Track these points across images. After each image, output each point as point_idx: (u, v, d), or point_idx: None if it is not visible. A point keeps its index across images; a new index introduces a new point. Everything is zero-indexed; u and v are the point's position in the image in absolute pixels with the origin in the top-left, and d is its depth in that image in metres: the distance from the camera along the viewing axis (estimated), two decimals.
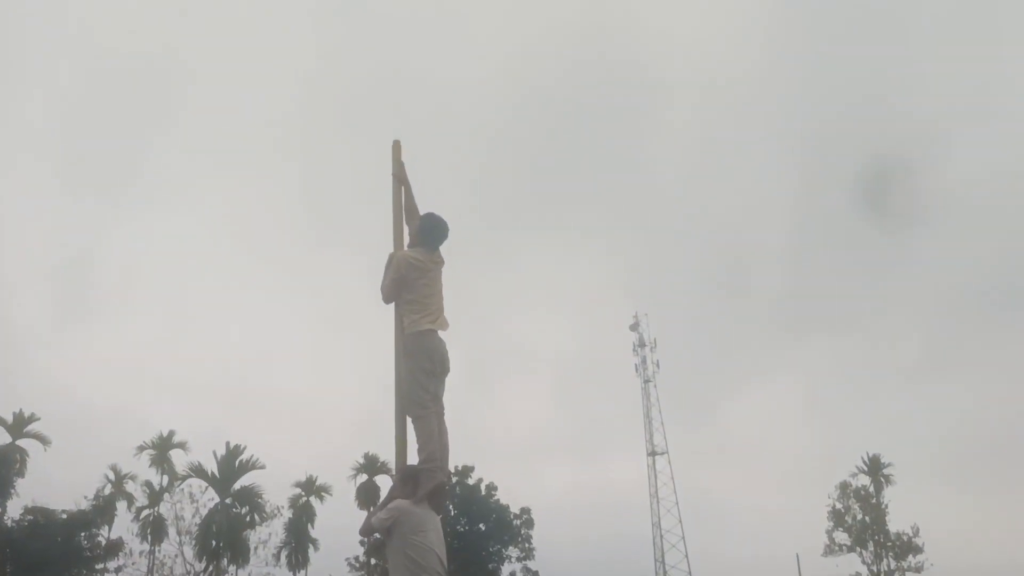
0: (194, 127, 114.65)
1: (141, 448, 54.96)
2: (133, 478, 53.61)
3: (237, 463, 51.54)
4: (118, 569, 34.81)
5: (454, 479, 43.14)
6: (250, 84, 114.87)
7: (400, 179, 6.60)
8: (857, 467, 52.90)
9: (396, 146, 6.71)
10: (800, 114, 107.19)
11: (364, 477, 56.44)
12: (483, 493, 46.85)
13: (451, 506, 43.96)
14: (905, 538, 48.67)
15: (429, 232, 6.41)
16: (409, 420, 6.09)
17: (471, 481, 46.54)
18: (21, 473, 42.52)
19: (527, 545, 46.68)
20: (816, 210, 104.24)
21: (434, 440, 5.94)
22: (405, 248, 6.45)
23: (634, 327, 76.17)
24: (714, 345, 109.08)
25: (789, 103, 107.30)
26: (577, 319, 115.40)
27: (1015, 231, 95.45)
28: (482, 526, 45.74)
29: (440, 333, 6.27)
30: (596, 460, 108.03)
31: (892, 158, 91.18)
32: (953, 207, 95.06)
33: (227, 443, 52.38)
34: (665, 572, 70.12)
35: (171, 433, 55.64)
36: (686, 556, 69.41)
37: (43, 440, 49.29)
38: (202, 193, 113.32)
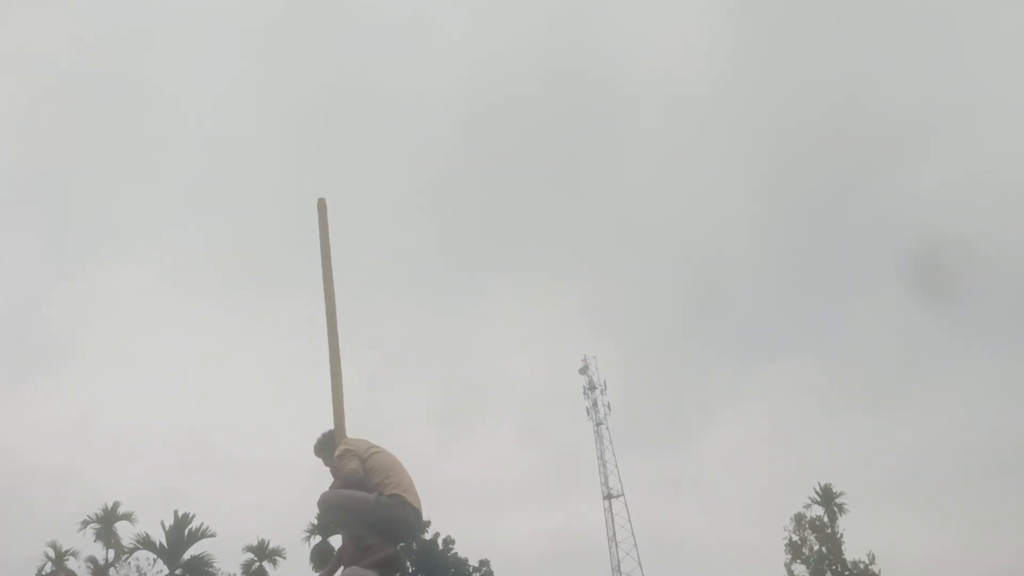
0: (135, 175, 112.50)
1: (85, 522, 53.21)
2: (75, 554, 51.79)
3: (187, 532, 50.18)
4: None
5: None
6: (191, 116, 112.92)
7: None
8: (810, 498, 53.40)
9: (321, 205, 6.66)
10: (765, 131, 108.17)
11: (318, 539, 55.30)
12: (440, 547, 46.20)
13: (408, 563, 43.26)
14: (862, 566, 49.06)
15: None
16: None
17: (428, 535, 45.89)
18: None
19: None
20: (780, 229, 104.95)
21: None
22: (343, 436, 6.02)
23: (583, 370, 76.39)
24: (678, 379, 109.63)
25: (754, 121, 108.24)
26: (538, 360, 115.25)
27: None
28: None
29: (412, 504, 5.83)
30: (557, 505, 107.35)
31: (861, 172, 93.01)
32: (922, 221, 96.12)
33: (175, 511, 51.01)
34: None
35: (116, 504, 53.98)
36: None
37: None
38: (150, 245, 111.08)
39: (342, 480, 5.68)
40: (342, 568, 5.64)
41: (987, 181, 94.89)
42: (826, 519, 52.02)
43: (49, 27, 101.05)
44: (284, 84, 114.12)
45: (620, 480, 73.79)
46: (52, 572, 47.50)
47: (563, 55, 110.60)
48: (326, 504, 5.76)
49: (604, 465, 73.42)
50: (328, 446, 6.02)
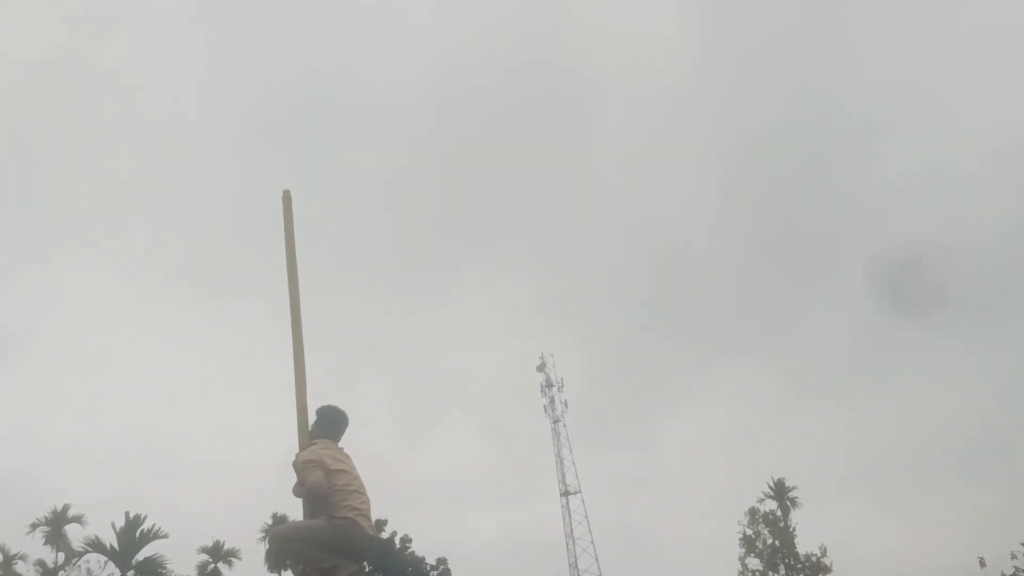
0: (89, 167, 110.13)
1: (34, 525, 52.22)
2: (23, 557, 50.79)
3: (138, 533, 49.53)
4: None
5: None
6: (149, 106, 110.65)
7: None
8: (764, 492, 54.21)
9: (286, 197, 6.62)
10: (731, 125, 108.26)
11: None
12: (398, 547, 46.12)
13: (366, 564, 42.93)
14: (814, 559, 49.93)
15: (331, 423, 6.10)
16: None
17: (384, 534, 45.76)
18: None
19: None
20: (743, 224, 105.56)
21: None
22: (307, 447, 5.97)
23: (540, 368, 76.66)
24: (637, 375, 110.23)
25: (720, 115, 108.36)
26: (497, 357, 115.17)
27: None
28: None
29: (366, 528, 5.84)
30: (516, 503, 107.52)
31: (823, 166, 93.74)
32: (886, 210, 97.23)
33: (126, 513, 50.32)
34: None
35: (66, 507, 53.04)
36: None
37: None
38: (104, 240, 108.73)
39: (306, 489, 5.69)
40: None
41: (944, 175, 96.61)
42: (779, 513, 52.87)
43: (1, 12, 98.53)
44: (246, 74, 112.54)
45: (577, 477, 74.14)
46: None
47: (529, 46, 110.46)
48: (278, 538, 5.84)
49: (561, 462, 73.74)
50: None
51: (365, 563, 5.98)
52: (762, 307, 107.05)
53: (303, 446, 5.91)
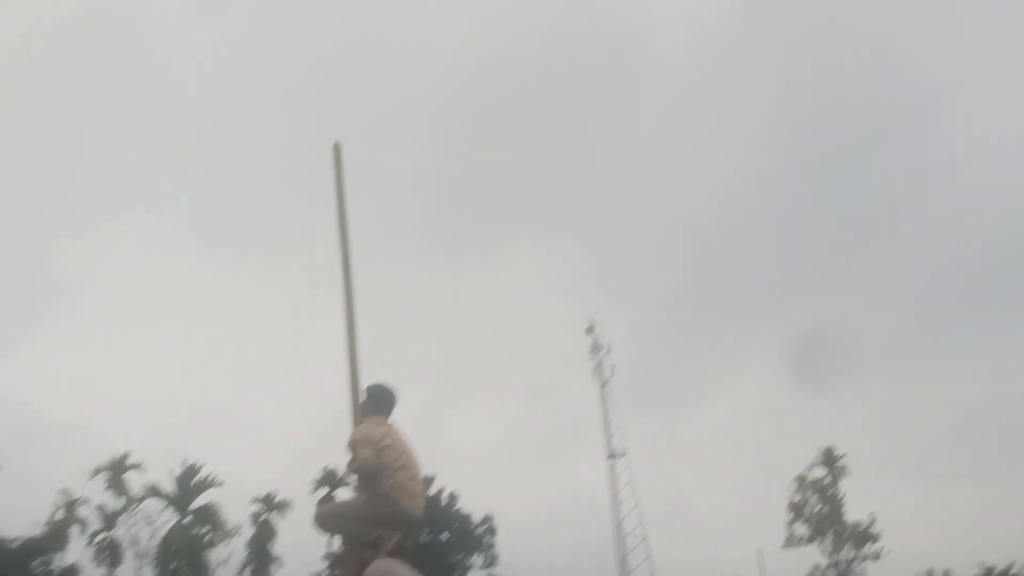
0: (146, 122, 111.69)
1: (95, 471, 53.99)
2: (86, 502, 52.59)
3: (194, 481, 50.92)
4: None
5: None
6: (195, 75, 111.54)
7: None
8: (813, 460, 53.78)
9: (336, 149, 6.63)
10: (780, 77, 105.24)
11: (324, 491, 55.97)
12: (444, 503, 46.73)
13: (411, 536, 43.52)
14: (862, 528, 49.55)
15: (380, 401, 6.23)
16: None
17: (431, 492, 46.44)
18: None
19: (491, 553, 46.68)
20: (792, 183, 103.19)
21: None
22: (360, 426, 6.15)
23: (588, 331, 76.57)
24: (685, 340, 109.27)
25: (769, 66, 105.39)
26: (545, 320, 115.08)
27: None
28: (444, 536, 45.64)
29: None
30: (561, 465, 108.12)
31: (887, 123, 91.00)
32: (955, 175, 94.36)
33: (184, 461, 51.74)
34: (628, 574, 70.50)
35: (125, 454, 54.72)
36: (648, 557, 69.87)
37: None
38: (160, 193, 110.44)
39: (355, 466, 5.89)
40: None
41: (1010, 139, 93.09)
42: (828, 481, 52.45)
43: None
44: (296, 25, 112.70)
45: (624, 440, 74.35)
46: (64, 519, 48.24)
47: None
48: (321, 518, 6.01)
49: (608, 425, 73.94)
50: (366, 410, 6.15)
51: (410, 535, 6.04)
52: (812, 274, 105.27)
53: (356, 422, 6.05)
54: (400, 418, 6.22)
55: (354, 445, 5.90)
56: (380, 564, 5.49)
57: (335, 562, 5.89)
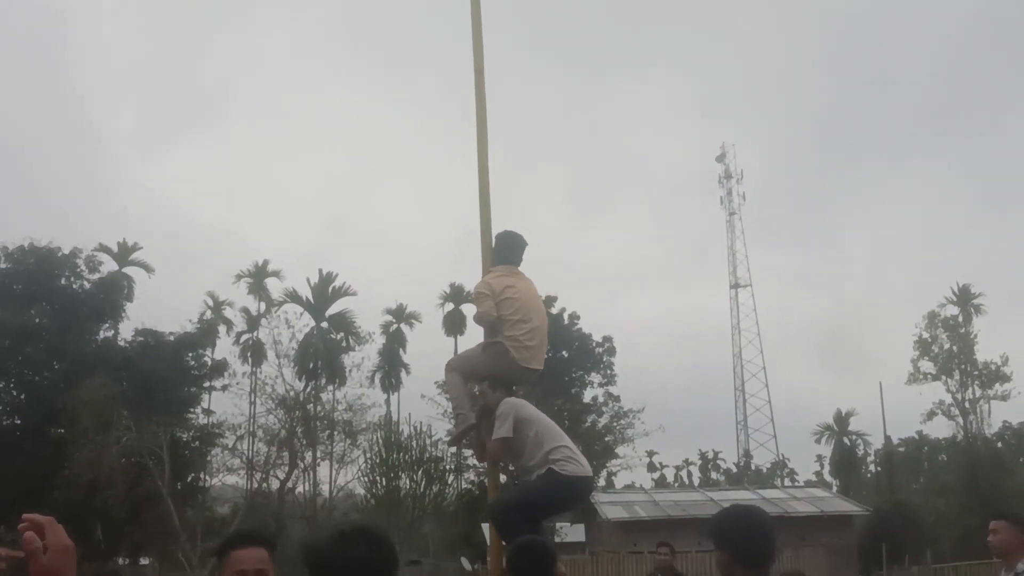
0: None
1: (239, 276, 57.56)
2: (231, 304, 56.41)
3: (330, 289, 53.61)
4: (224, 387, 37.08)
5: None
6: None
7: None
8: (946, 297, 52.13)
9: None
10: None
11: (451, 306, 58.16)
12: (566, 322, 47.71)
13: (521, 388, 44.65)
14: (993, 367, 48.29)
15: (508, 249, 6.16)
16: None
17: (554, 311, 47.39)
18: (129, 298, 45.09)
19: (609, 372, 47.77)
20: None
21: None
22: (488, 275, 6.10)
23: (720, 158, 74.57)
24: (818, 173, 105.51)
25: None
26: (676, 145, 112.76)
27: None
28: (565, 353, 46.85)
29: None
30: (683, 291, 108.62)
31: None
32: None
33: (319, 270, 54.43)
34: (745, 400, 71.54)
35: (266, 262, 57.99)
36: (766, 385, 70.57)
37: (147, 268, 51.99)
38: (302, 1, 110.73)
39: (477, 317, 6.04)
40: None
41: None
42: (961, 319, 50.95)
43: None
44: None
45: (749, 270, 73.63)
46: (212, 319, 51.92)
47: None
48: (447, 368, 6.13)
49: (734, 255, 73.14)
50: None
51: (520, 386, 6.16)
52: (970, 103, 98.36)
53: (486, 269, 6.12)
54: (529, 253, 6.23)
55: (477, 297, 6.04)
56: (510, 402, 5.64)
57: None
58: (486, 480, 6.64)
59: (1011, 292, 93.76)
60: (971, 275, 75.15)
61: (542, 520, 5.47)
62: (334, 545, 2.27)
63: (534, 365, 5.88)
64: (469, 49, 6.45)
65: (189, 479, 34.29)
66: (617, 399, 44.45)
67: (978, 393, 48.93)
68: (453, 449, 30.02)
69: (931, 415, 49.30)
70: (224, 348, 50.72)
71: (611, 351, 48.43)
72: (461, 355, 6.37)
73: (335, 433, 34.15)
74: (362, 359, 48.75)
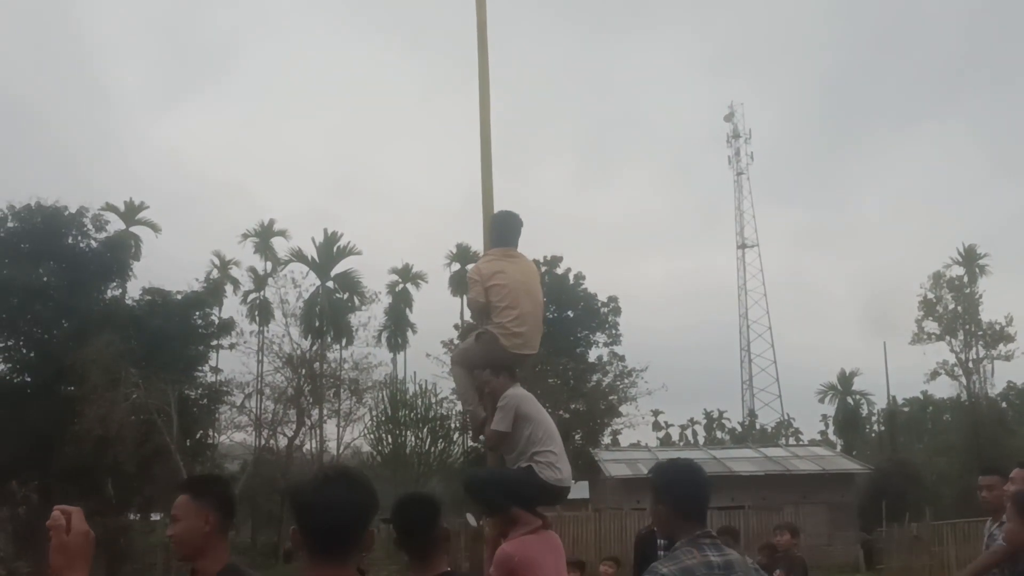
0: None
1: (245, 236, 57.63)
2: (237, 264, 56.55)
3: (335, 249, 53.66)
4: (231, 346, 37.38)
5: (543, 268, 44.06)
6: None
7: None
8: (951, 258, 52.04)
9: None
10: None
11: (457, 266, 58.22)
12: (571, 282, 47.82)
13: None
14: (998, 328, 48.33)
15: (503, 230, 6.01)
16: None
17: (559, 271, 47.47)
18: (136, 257, 45.29)
19: (614, 331, 47.97)
20: None
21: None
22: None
23: (728, 117, 73.99)
24: (827, 133, 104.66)
25: None
26: (683, 103, 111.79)
27: None
28: (570, 313, 47.02)
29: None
30: (689, 251, 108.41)
31: None
32: None
33: (325, 229, 54.41)
34: (751, 360, 71.73)
35: (272, 221, 58.01)
36: (772, 346, 70.71)
37: (154, 227, 52.12)
38: None
39: (468, 304, 6.20)
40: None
41: None
42: (966, 280, 50.92)
43: None
44: None
45: (756, 231, 73.44)
46: (218, 279, 52.07)
47: None
48: (452, 363, 6.21)
49: (741, 215, 72.90)
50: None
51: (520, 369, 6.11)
52: (985, 67, 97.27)
53: (487, 219, 6.07)
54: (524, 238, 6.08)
55: (468, 283, 6.03)
56: (514, 395, 5.58)
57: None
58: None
59: (1015, 257, 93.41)
60: (981, 237, 74.93)
61: (512, 501, 5.42)
62: (316, 487, 2.31)
63: (525, 351, 5.78)
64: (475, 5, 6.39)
65: (198, 436, 34.69)
66: (622, 358, 44.71)
67: (982, 353, 49.07)
68: (459, 407, 30.30)
69: (935, 375, 49.46)
70: (231, 307, 51.09)
71: (616, 311, 48.62)
72: (460, 348, 6.52)
73: (341, 391, 34.50)
74: (368, 319, 49.14)
